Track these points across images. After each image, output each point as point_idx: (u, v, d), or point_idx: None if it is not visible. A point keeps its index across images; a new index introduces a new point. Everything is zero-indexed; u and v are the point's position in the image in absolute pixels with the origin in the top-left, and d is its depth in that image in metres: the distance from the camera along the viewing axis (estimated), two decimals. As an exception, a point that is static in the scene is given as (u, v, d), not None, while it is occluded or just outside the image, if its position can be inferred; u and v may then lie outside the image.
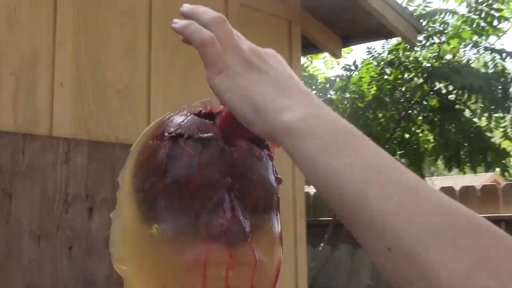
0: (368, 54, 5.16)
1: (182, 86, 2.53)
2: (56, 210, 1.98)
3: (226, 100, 0.48)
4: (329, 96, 5.25)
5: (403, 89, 4.79)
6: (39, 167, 1.96)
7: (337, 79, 5.29)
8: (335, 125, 0.43)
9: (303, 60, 5.58)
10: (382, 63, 4.96)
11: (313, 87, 5.35)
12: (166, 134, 0.53)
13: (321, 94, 5.21)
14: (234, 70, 0.48)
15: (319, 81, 5.58)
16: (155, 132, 0.55)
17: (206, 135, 0.52)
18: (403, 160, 5.15)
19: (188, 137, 0.52)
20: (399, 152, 5.04)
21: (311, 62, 5.76)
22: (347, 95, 5.12)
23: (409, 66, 4.87)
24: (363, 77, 4.99)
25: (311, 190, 5.68)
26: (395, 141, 5.05)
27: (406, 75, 4.98)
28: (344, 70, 5.26)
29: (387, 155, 0.41)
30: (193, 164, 0.51)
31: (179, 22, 0.52)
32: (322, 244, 4.98)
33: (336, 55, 3.75)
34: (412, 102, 4.92)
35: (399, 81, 4.93)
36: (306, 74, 5.40)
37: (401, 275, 0.36)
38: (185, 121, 0.54)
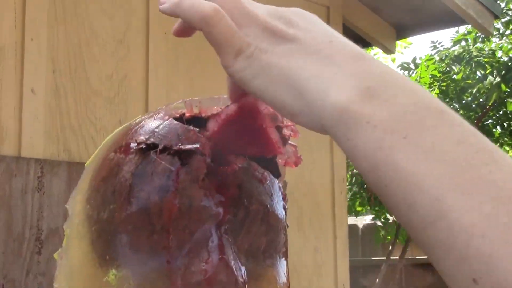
0: (432, 50, 5.11)
1: (188, 90, 2.52)
2: (26, 252, 1.96)
3: (255, 89, 0.45)
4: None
5: (475, 91, 4.73)
6: (3, 197, 1.95)
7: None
8: (405, 100, 0.40)
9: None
10: (446, 57, 4.91)
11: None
12: (133, 144, 0.52)
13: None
14: (257, 46, 0.46)
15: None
16: (119, 141, 0.54)
17: (188, 146, 0.51)
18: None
19: (164, 149, 0.51)
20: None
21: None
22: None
23: (483, 61, 4.81)
24: (422, 77, 4.95)
25: (359, 221, 5.65)
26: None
27: (478, 73, 4.91)
28: (401, 69, 5.22)
29: (476, 139, 0.38)
30: (169, 186, 0.50)
31: (167, 0, 0.49)
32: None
33: (389, 50, 3.72)
34: (487, 107, 4.85)
35: (469, 81, 4.88)
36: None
37: None
38: (161, 127, 0.52)
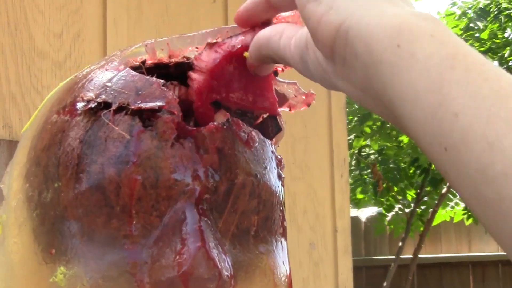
0: (451, 3, 5.11)
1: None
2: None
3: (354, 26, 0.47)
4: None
5: (506, 53, 4.74)
6: None
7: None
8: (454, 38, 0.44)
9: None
10: (470, 12, 4.91)
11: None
12: (80, 104, 0.51)
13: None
14: None
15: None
16: (63, 100, 0.53)
17: (150, 104, 0.49)
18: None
19: (119, 109, 0.50)
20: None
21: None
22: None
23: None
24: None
25: (361, 214, 5.67)
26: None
27: (509, 31, 4.91)
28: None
29: None
30: (128, 155, 0.49)
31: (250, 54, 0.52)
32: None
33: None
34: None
35: (497, 40, 4.88)
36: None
37: None
38: (114, 80, 0.51)
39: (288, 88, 0.55)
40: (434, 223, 5.06)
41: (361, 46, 0.45)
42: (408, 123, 0.43)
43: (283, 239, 0.54)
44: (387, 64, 0.43)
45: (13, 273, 0.52)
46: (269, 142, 0.54)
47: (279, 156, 0.55)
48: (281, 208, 0.54)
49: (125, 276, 0.48)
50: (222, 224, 0.50)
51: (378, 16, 0.45)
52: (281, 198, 0.54)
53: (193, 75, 0.51)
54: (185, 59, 0.53)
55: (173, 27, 2.50)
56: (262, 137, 0.53)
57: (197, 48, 0.52)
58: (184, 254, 0.47)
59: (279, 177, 0.54)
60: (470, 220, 4.99)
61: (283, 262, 0.54)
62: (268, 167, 0.53)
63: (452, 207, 5.03)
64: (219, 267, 0.48)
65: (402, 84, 0.43)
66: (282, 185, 0.55)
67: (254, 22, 0.54)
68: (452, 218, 5.11)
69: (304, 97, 0.55)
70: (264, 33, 0.52)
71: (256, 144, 0.53)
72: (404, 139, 4.82)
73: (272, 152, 0.54)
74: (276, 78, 0.56)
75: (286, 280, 0.53)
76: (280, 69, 0.56)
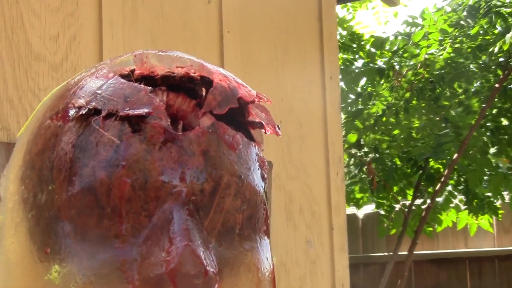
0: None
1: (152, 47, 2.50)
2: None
3: None
4: (380, 64, 5.21)
5: (496, 49, 4.73)
6: None
7: (394, 38, 5.24)
8: None
9: (340, 11, 5.53)
10: (459, 8, 4.89)
11: (357, 51, 5.31)
12: (71, 110, 0.52)
13: (369, 62, 5.15)
14: None
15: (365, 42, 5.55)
16: (55, 105, 0.53)
17: (138, 111, 0.50)
18: (499, 163, 5.10)
19: (109, 115, 0.51)
20: (492, 148, 4.99)
21: (354, 14, 5.74)
22: (409, 62, 5.08)
23: (505, 12, 4.79)
24: (430, 33, 4.93)
25: (358, 211, 5.66)
26: (484, 129, 5.00)
27: (498, 27, 4.90)
28: (406, 25, 5.20)
29: None
30: (118, 159, 0.50)
31: None
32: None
33: (391, 0, 3.71)
34: (510, 68, 4.86)
35: (487, 37, 4.86)
36: (346, 32, 5.37)
37: None
38: (104, 87, 0.52)
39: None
40: (439, 229, 5.05)
41: None
42: None
43: (266, 237, 0.55)
44: None
45: (10, 271, 0.53)
46: (253, 144, 0.55)
47: (263, 158, 0.56)
48: (265, 207, 0.55)
49: (116, 273, 0.49)
50: (208, 223, 0.51)
51: None
52: (265, 198, 0.55)
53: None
54: (170, 73, 0.54)
55: (168, 29, 2.51)
56: (246, 139, 0.54)
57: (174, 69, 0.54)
58: (171, 252, 0.48)
59: (263, 177, 0.55)
60: (475, 229, 4.99)
61: (266, 258, 0.55)
62: (252, 168, 0.54)
63: (453, 209, 5.00)
64: (205, 264, 0.48)
65: None
66: (265, 184, 0.56)
67: None
68: (455, 223, 5.07)
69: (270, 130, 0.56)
70: None
71: (240, 146, 0.53)
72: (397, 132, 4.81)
73: (256, 154, 0.55)
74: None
75: (270, 275, 0.54)
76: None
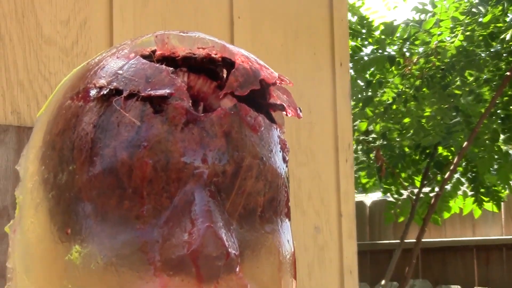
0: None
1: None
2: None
3: None
4: (390, 51, 5.19)
5: (508, 36, 4.71)
6: None
7: (404, 26, 5.23)
8: None
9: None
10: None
11: (366, 37, 5.29)
12: (92, 90, 0.52)
13: (378, 49, 5.13)
14: None
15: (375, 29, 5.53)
16: (76, 86, 0.53)
17: (160, 92, 0.50)
18: (509, 151, 5.09)
19: (130, 96, 0.51)
20: (502, 136, 4.98)
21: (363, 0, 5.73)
22: (419, 49, 5.07)
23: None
24: (441, 20, 4.92)
25: (366, 199, 5.66)
26: (495, 118, 4.98)
27: (510, 15, 4.88)
28: (416, 11, 5.19)
29: None
30: (139, 140, 0.50)
31: None
32: (383, 282, 4.96)
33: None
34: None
35: (499, 24, 4.84)
36: (356, 18, 5.35)
37: None
38: (125, 67, 0.52)
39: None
40: (446, 215, 5.05)
41: None
42: None
43: (287, 219, 0.55)
44: None
45: (30, 252, 0.53)
46: (275, 126, 0.55)
47: (284, 140, 0.56)
48: (286, 190, 0.55)
49: (137, 254, 0.49)
50: (230, 205, 0.51)
51: None
52: (286, 180, 0.55)
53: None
54: (191, 54, 0.54)
55: (179, 14, 2.51)
56: (268, 121, 0.54)
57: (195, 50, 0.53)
58: (193, 234, 0.48)
59: (284, 160, 0.55)
60: (479, 212, 4.98)
61: (287, 240, 0.55)
62: (273, 150, 0.54)
63: (461, 196, 5.00)
64: (227, 245, 0.48)
65: None
66: (287, 167, 0.55)
67: None
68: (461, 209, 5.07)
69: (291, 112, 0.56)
70: None
71: (262, 128, 0.53)
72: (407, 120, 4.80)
73: (278, 136, 0.55)
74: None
75: (291, 258, 0.54)
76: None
